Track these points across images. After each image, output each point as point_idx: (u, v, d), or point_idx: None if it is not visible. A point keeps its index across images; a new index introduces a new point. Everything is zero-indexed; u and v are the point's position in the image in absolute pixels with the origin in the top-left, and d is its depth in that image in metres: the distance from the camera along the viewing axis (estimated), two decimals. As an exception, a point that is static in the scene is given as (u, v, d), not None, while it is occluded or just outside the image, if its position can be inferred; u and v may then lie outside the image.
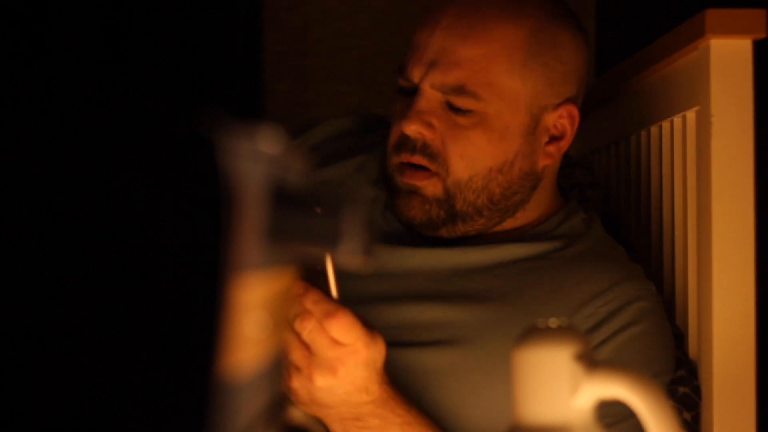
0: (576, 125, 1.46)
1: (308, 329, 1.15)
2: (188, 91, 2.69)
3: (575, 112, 1.46)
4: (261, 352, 0.72)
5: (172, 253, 2.60)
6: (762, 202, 1.54)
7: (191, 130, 2.43)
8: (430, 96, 1.41)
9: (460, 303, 1.40)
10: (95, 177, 2.57)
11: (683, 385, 1.50)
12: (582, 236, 1.48)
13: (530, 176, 1.45)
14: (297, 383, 1.18)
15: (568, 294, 1.40)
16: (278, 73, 2.87)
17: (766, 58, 1.57)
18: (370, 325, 1.18)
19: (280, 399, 0.73)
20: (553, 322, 0.78)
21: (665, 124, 1.67)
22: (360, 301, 1.19)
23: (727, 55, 1.48)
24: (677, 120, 1.61)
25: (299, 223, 0.72)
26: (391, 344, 1.21)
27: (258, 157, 0.71)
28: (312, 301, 1.14)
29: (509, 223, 1.48)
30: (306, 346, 1.16)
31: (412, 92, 1.43)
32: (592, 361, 0.77)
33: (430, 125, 1.41)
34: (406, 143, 1.42)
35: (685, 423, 1.48)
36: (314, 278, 1.17)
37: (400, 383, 1.27)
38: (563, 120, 1.45)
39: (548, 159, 1.46)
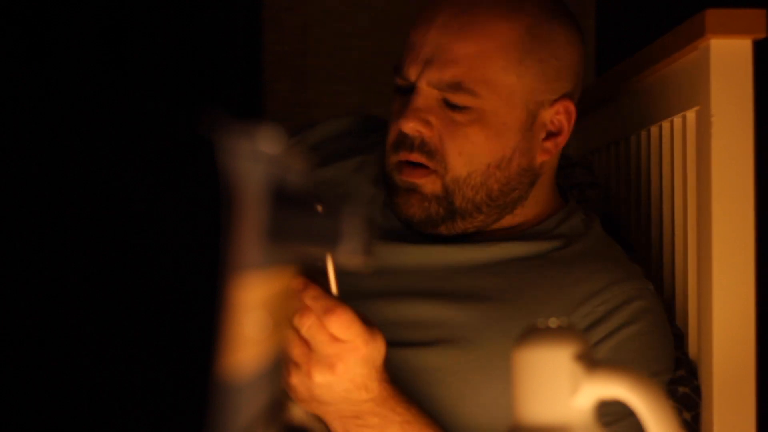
0: (573, 121, 1.47)
1: (307, 325, 1.15)
2: (188, 91, 2.69)
3: (572, 107, 1.46)
4: (261, 352, 0.72)
5: (172, 253, 2.60)
6: (762, 202, 1.54)
7: (191, 130, 2.43)
8: (427, 94, 1.41)
9: (458, 301, 1.40)
10: (95, 177, 2.57)
11: (683, 385, 1.50)
12: (581, 236, 1.49)
13: (528, 172, 1.46)
14: (296, 380, 1.18)
15: (567, 293, 1.41)
16: (278, 73, 2.87)
17: (766, 58, 1.57)
18: (370, 323, 1.17)
19: (280, 399, 0.73)
20: (553, 322, 0.78)
21: (665, 124, 1.67)
22: (358, 296, 1.19)
23: (727, 55, 1.48)
24: (677, 120, 1.61)
25: (299, 223, 0.72)
26: (390, 342, 1.20)
27: (258, 157, 0.71)
28: (311, 297, 1.14)
29: (508, 221, 1.48)
30: (305, 343, 1.16)
31: (409, 91, 1.43)
32: (592, 361, 0.77)
33: (427, 123, 1.41)
34: (404, 141, 1.42)
35: (684, 423, 1.48)
36: (314, 277, 1.17)
37: (399, 381, 1.27)
38: (560, 116, 1.46)
39: (546, 155, 1.46)
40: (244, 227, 0.71)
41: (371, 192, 1.53)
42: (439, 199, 1.42)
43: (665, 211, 1.67)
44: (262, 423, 0.72)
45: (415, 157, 1.42)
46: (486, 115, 1.41)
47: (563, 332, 0.77)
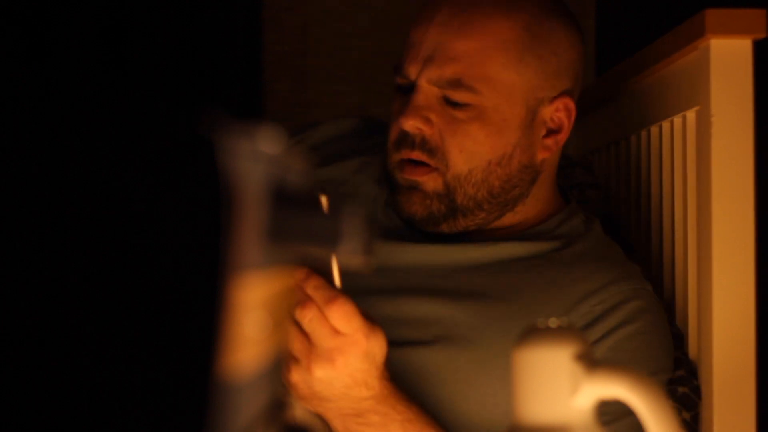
0: (573, 118, 1.47)
1: (309, 317, 1.15)
2: (188, 91, 2.69)
3: (571, 105, 1.46)
4: (261, 352, 0.72)
5: (172, 253, 2.60)
6: (762, 202, 1.54)
7: (191, 130, 2.43)
8: (427, 91, 1.42)
9: (458, 300, 1.40)
10: (95, 177, 2.57)
11: (683, 385, 1.50)
12: (582, 237, 1.49)
13: (529, 169, 1.46)
14: (297, 376, 1.18)
15: (565, 293, 1.41)
16: (278, 73, 2.87)
17: (766, 58, 1.57)
18: (371, 319, 1.18)
19: (280, 399, 0.73)
20: (552, 322, 0.78)
21: (665, 124, 1.67)
22: (358, 294, 1.19)
23: (727, 55, 1.48)
24: (677, 120, 1.61)
25: (299, 223, 0.72)
26: (390, 340, 1.20)
27: (258, 157, 0.71)
28: (313, 287, 1.14)
29: (509, 218, 1.48)
30: (306, 337, 1.16)
31: (409, 90, 1.44)
32: (592, 361, 0.77)
33: (428, 120, 1.42)
34: (405, 139, 1.43)
35: (684, 423, 1.48)
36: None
37: (398, 379, 1.27)
38: (560, 113, 1.46)
39: (546, 152, 1.47)
40: (244, 227, 0.71)
41: (373, 192, 1.53)
42: (440, 197, 1.43)
43: (665, 211, 1.67)
44: (262, 423, 0.72)
45: (417, 155, 1.42)
46: (486, 112, 1.41)
47: (563, 332, 0.77)
